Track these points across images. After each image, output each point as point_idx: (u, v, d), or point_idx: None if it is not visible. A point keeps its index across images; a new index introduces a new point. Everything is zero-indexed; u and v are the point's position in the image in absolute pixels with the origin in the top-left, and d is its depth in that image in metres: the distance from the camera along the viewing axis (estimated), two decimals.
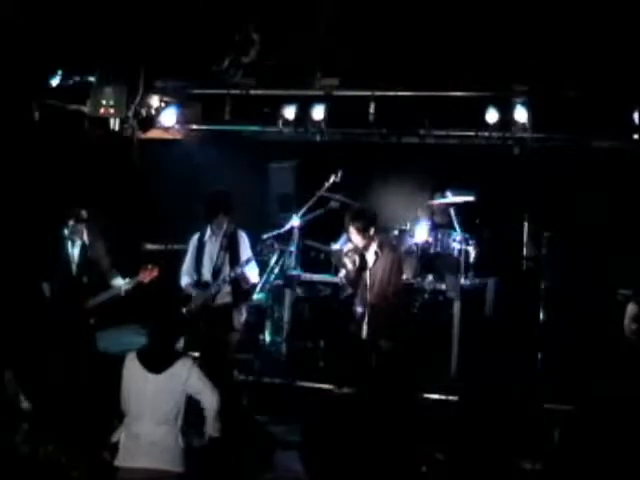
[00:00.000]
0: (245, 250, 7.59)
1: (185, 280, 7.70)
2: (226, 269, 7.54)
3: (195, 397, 5.16)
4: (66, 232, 7.61)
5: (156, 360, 5.07)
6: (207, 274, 7.58)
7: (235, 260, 7.52)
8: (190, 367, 5.09)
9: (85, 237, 7.68)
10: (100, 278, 7.69)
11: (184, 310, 7.53)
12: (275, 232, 8.29)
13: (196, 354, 7.88)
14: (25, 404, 6.63)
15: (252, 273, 7.65)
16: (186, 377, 5.04)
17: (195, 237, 7.71)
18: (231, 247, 7.56)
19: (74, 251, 7.67)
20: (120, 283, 7.57)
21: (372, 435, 4.44)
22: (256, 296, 8.66)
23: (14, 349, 7.17)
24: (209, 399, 5.16)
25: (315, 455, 4.64)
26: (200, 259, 7.62)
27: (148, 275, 7.59)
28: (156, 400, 5.02)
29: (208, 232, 7.65)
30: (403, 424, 4.51)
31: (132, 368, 5.11)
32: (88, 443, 6.17)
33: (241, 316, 7.64)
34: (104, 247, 7.77)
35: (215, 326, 7.51)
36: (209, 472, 5.84)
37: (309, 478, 4.65)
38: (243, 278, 7.58)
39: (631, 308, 6.89)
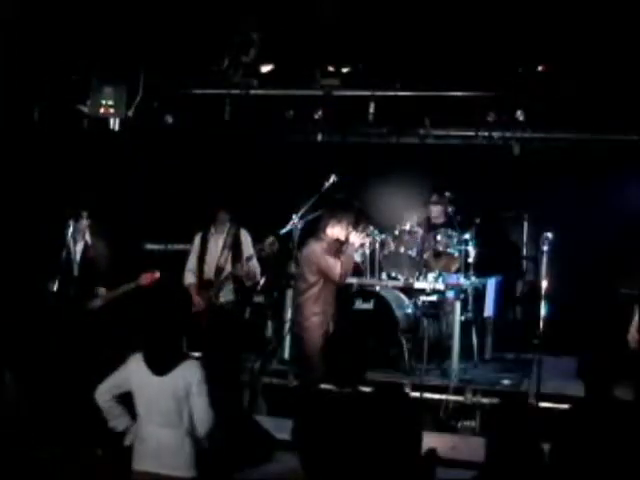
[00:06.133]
0: (247, 248, 7.64)
1: (188, 278, 7.73)
2: (228, 267, 7.58)
3: (190, 401, 5.00)
4: (68, 232, 7.61)
5: (160, 361, 5.01)
6: (210, 272, 7.62)
7: (237, 258, 7.55)
8: (195, 370, 5.00)
9: (87, 237, 7.69)
10: (101, 278, 7.70)
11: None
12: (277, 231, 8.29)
13: (197, 353, 7.93)
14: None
15: (254, 271, 7.67)
16: (190, 380, 4.98)
17: (198, 236, 7.76)
18: (234, 245, 7.60)
19: (76, 251, 7.68)
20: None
21: (371, 435, 4.43)
22: (257, 295, 8.65)
23: (16, 349, 7.16)
24: (200, 413, 4.93)
25: (314, 455, 4.63)
26: (203, 257, 7.67)
27: (149, 278, 7.58)
28: (160, 402, 4.95)
29: (211, 231, 7.71)
30: (402, 424, 4.50)
31: (138, 369, 5.05)
32: (82, 443, 6.15)
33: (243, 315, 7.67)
34: (105, 247, 7.78)
35: (218, 325, 7.52)
36: (208, 472, 5.83)
37: (308, 478, 4.64)
38: (246, 275, 7.61)
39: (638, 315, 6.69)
